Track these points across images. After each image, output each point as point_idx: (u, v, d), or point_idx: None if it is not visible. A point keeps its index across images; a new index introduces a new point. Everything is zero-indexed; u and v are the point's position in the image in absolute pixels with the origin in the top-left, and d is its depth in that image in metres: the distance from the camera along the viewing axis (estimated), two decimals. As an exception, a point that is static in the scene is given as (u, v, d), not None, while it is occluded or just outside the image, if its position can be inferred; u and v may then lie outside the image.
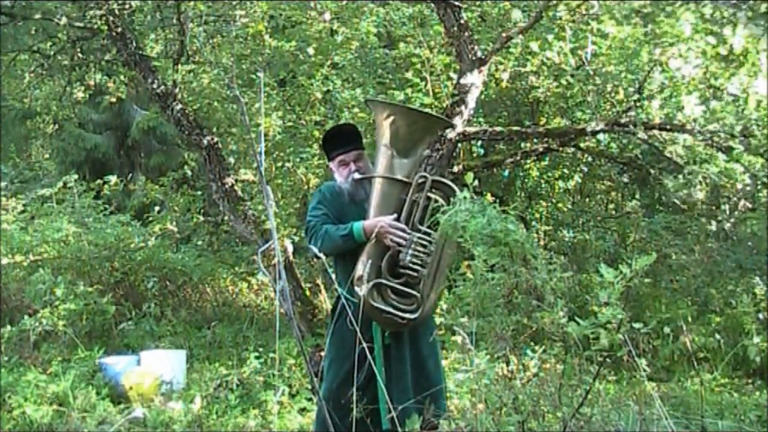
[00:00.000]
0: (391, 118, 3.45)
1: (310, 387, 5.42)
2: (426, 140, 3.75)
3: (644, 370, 2.69)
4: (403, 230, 3.31)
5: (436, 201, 3.35)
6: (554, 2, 5.86)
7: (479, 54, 5.71)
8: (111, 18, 6.43)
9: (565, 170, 8.24)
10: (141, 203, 9.79)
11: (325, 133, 3.91)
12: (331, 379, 3.40)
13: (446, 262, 3.37)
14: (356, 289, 3.25)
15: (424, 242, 3.31)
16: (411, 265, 3.30)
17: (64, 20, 6.58)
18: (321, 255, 3.25)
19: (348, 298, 3.25)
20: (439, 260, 3.32)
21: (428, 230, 3.32)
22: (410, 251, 3.30)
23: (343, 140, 3.60)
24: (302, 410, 5.17)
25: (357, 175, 3.50)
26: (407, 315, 3.29)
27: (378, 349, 3.35)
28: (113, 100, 8.64)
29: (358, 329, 2.80)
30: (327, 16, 7.10)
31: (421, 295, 3.30)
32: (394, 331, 3.37)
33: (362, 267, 3.30)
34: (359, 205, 3.48)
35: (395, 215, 3.36)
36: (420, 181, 3.39)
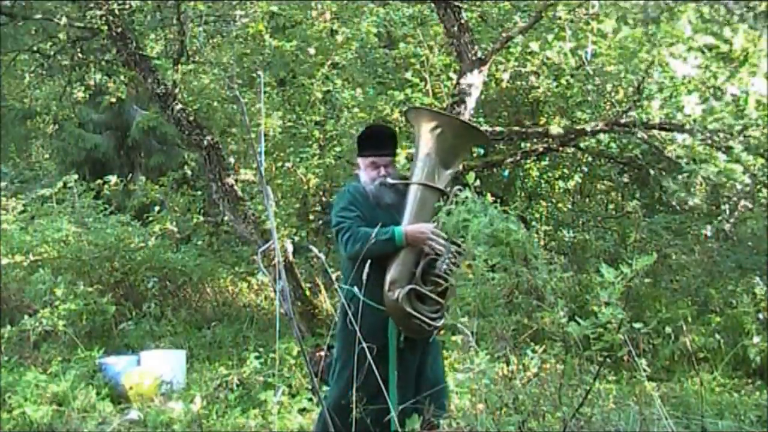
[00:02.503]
0: (439, 128, 3.45)
1: (310, 387, 5.42)
2: (465, 153, 3.76)
3: (644, 370, 2.69)
4: (444, 238, 3.32)
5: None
6: (554, 2, 5.86)
7: (479, 54, 5.70)
8: (111, 18, 6.42)
9: (565, 170, 8.25)
10: (141, 203, 9.78)
11: (366, 128, 3.91)
12: (344, 384, 3.36)
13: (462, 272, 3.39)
14: (389, 293, 3.25)
15: (457, 253, 3.32)
16: (445, 274, 3.31)
17: (64, 20, 6.58)
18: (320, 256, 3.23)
19: (360, 299, 3.24)
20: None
21: (460, 242, 3.33)
22: (446, 260, 3.31)
23: (381, 143, 3.59)
24: (302, 410, 5.16)
25: (390, 180, 3.49)
26: (434, 323, 3.31)
27: (393, 353, 3.34)
28: (113, 100, 8.64)
29: (357, 330, 2.80)
30: (327, 16, 7.11)
31: (446, 303, 3.32)
32: (411, 336, 3.37)
33: (396, 271, 3.30)
34: (385, 210, 3.48)
35: (434, 223, 3.36)
36: (457, 192, 3.40)
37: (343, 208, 3.51)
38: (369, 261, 3.25)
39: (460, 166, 3.76)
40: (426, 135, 3.46)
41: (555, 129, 6.45)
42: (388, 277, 3.29)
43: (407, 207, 3.41)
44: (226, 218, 6.96)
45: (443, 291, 3.33)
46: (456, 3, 5.58)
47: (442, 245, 3.31)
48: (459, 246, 3.31)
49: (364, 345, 2.74)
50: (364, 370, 3.00)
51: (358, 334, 3.15)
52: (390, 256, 3.34)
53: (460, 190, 3.41)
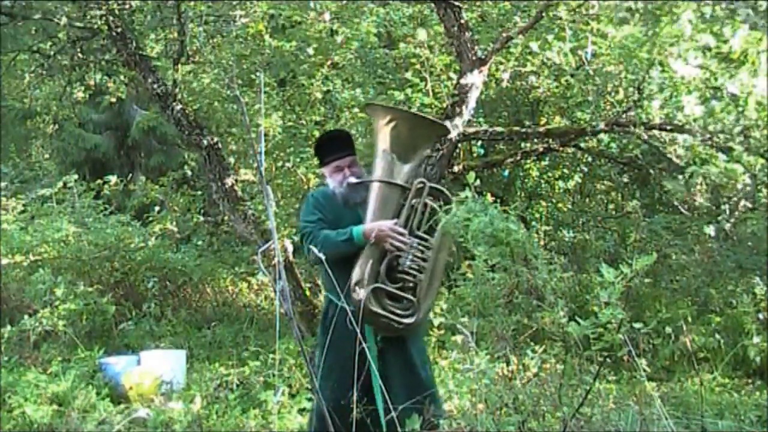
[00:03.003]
0: (393, 122, 3.43)
1: (310, 387, 5.42)
2: (425, 146, 3.75)
3: (644, 370, 2.69)
4: (403, 234, 3.32)
5: (433, 207, 3.35)
6: (554, 2, 5.86)
7: (479, 54, 5.70)
8: (111, 18, 6.42)
9: (565, 170, 8.24)
10: (141, 203, 9.78)
11: (319, 138, 3.88)
12: (332, 386, 3.36)
13: (441, 268, 3.38)
14: (354, 293, 3.25)
15: (423, 247, 3.31)
16: (409, 270, 3.30)
17: (64, 20, 6.57)
18: (321, 257, 3.23)
19: (338, 303, 3.26)
20: (435, 266, 3.33)
21: (426, 236, 3.32)
22: (410, 256, 3.30)
23: (337, 146, 3.59)
24: (302, 410, 5.16)
25: (353, 179, 3.48)
26: (404, 320, 3.29)
27: (373, 354, 3.34)
28: (113, 100, 8.63)
29: (332, 334, 2.80)
30: (327, 16, 7.10)
31: (417, 300, 3.31)
32: (384, 334, 3.36)
33: (360, 271, 3.30)
34: (353, 209, 3.48)
35: (395, 219, 3.36)
36: (418, 186, 3.39)
37: (306, 213, 3.53)
38: (346, 263, 3.26)
39: (420, 159, 3.72)
40: (382, 131, 3.45)
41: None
42: (353, 278, 3.28)
43: (369, 205, 3.41)
44: (226, 218, 6.96)
45: (413, 287, 3.32)
46: (456, 3, 5.58)
47: (403, 241, 3.30)
48: (425, 240, 3.32)
49: (365, 346, 2.75)
50: (349, 372, 3.02)
51: (340, 336, 3.19)
52: (355, 256, 3.33)
53: (422, 183, 3.41)
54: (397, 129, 3.41)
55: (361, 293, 3.24)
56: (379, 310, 3.27)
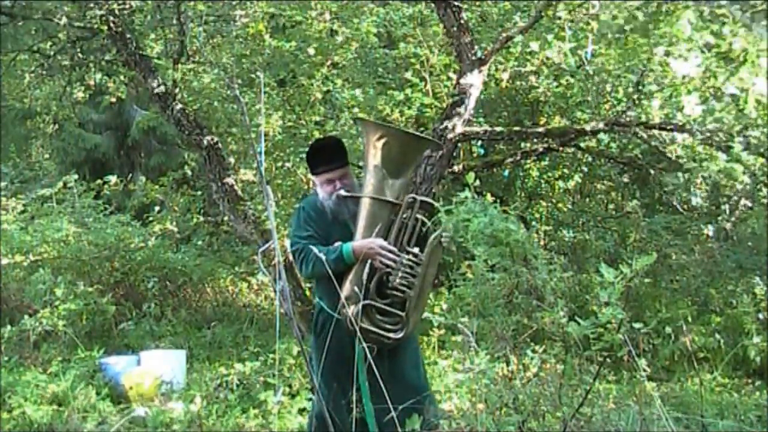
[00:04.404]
0: (384, 140, 3.39)
1: (310, 387, 5.42)
2: (416, 162, 3.74)
3: (644, 370, 2.69)
4: (393, 252, 3.31)
5: (424, 223, 3.35)
6: (554, 2, 5.85)
7: (479, 54, 5.70)
8: (111, 18, 6.41)
9: (565, 170, 8.24)
10: (141, 203, 9.79)
11: (310, 146, 3.80)
12: (332, 390, 3.36)
13: (430, 282, 3.38)
14: (344, 310, 3.25)
15: (412, 264, 3.31)
16: (399, 286, 3.30)
17: (64, 20, 6.56)
18: (323, 257, 3.21)
19: (331, 314, 3.27)
20: (424, 280, 3.33)
21: (416, 252, 3.32)
22: (399, 273, 3.30)
23: (328, 157, 3.53)
24: (302, 410, 5.17)
25: (343, 193, 3.45)
26: (393, 335, 3.30)
27: (361, 363, 3.34)
28: (113, 100, 8.63)
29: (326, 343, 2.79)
30: (327, 16, 7.11)
31: (407, 315, 3.31)
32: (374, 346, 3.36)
33: (351, 287, 3.30)
34: (342, 224, 3.46)
35: (385, 238, 3.34)
36: (409, 201, 3.38)
37: (297, 227, 3.51)
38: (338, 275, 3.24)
39: (413, 174, 3.73)
40: (373, 146, 3.41)
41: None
42: (343, 295, 3.27)
43: (358, 222, 3.39)
44: (226, 218, 6.95)
45: (402, 302, 3.32)
46: (456, 3, 5.58)
47: (393, 259, 3.30)
48: (416, 255, 3.31)
49: (367, 353, 2.76)
50: (345, 381, 3.02)
51: (333, 347, 3.20)
52: (346, 271, 3.34)
53: (412, 198, 3.39)
54: (389, 146, 3.38)
55: (351, 310, 3.24)
56: (370, 327, 3.27)
